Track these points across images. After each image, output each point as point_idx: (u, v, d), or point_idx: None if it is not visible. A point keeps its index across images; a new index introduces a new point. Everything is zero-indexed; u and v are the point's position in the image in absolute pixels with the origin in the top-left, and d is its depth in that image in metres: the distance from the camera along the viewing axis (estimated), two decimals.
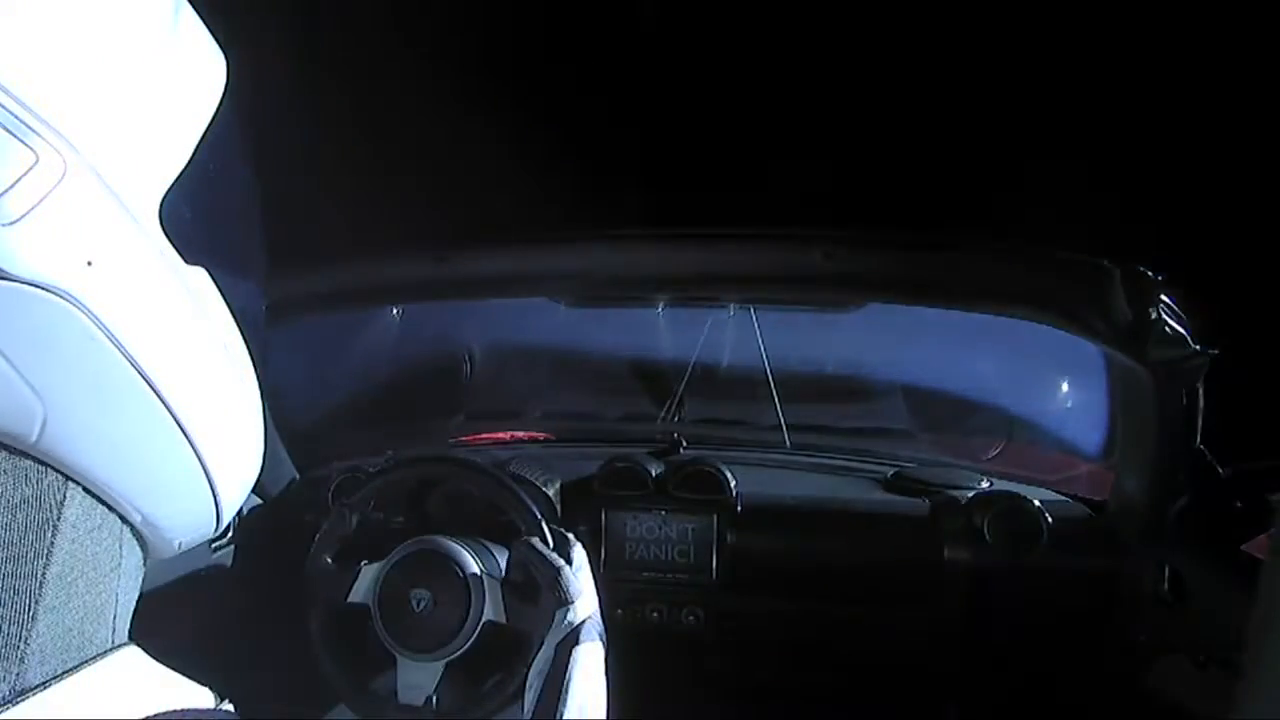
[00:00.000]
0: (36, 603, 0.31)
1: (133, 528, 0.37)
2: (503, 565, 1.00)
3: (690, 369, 1.98)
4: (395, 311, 1.94)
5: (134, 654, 0.36)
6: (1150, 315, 0.94)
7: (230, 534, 1.27)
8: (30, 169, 0.28)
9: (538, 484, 1.27)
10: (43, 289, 0.28)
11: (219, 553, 1.26)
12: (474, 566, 0.96)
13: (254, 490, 0.45)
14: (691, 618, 1.28)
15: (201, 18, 0.37)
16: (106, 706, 0.32)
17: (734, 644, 1.30)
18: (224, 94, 0.37)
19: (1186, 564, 1.01)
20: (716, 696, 1.42)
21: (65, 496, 0.33)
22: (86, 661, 0.33)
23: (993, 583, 1.20)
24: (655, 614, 1.28)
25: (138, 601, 0.39)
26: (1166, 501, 1.05)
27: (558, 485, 1.31)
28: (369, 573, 1.00)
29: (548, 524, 0.98)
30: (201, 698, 0.38)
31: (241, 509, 0.45)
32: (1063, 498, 1.26)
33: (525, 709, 0.80)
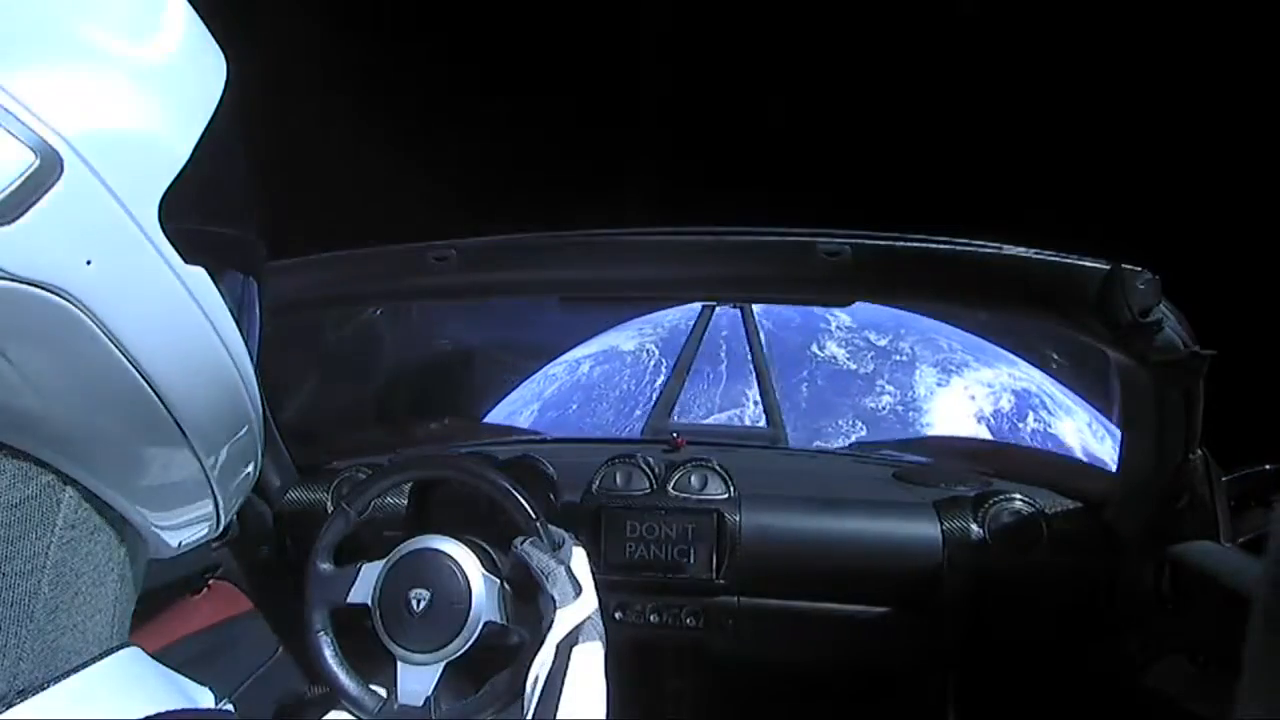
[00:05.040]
0: (36, 602, 0.31)
1: (133, 528, 0.37)
2: (502, 565, 1.00)
3: (689, 368, 1.98)
4: (395, 311, 1.94)
5: (134, 654, 0.36)
6: (1150, 315, 0.94)
7: (230, 534, 1.27)
8: (30, 169, 0.28)
9: (537, 484, 1.27)
10: (43, 289, 0.28)
11: (219, 553, 1.25)
12: (473, 566, 0.96)
13: (254, 490, 0.45)
14: (691, 618, 1.28)
15: (202, 18, 0.37)
16: (106, 706, 0.32)
17: (734, 644, 1.30)
18: (224, 94, 0.37)
19: (1187, 564, 1.01)
20: (716, 696, 1.42)
21: (65, 496, 0.33)
22: (86, 661, 0.33)
23: (993, 583, 1.20)
24: (655, 614, 1.28)
25: (138, 601, 0.38)
26: (1166, 501, 1.05)
27: (557, 485, 1.31)
28: (369, 573, 0.99)
29: (547, 524, 0.98)
30: (201, 698, 0.38)
31: (242, 509, 0.45)
32: (1063, 498, 1.26)
33: (525, 709, 0.80)
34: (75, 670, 0.32)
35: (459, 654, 0.95)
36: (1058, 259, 0.97)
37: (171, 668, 0.37)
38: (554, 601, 0.86)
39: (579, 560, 0.94)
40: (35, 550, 0.31)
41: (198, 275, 0.34)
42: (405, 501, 1.29)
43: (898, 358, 3.87)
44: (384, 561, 0.99)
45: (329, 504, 1.32)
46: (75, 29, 0.31)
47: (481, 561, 0.98)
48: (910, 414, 3.51)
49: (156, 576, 1.12)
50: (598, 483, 1.32)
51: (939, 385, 3.60)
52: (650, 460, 1.35)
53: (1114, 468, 1.18)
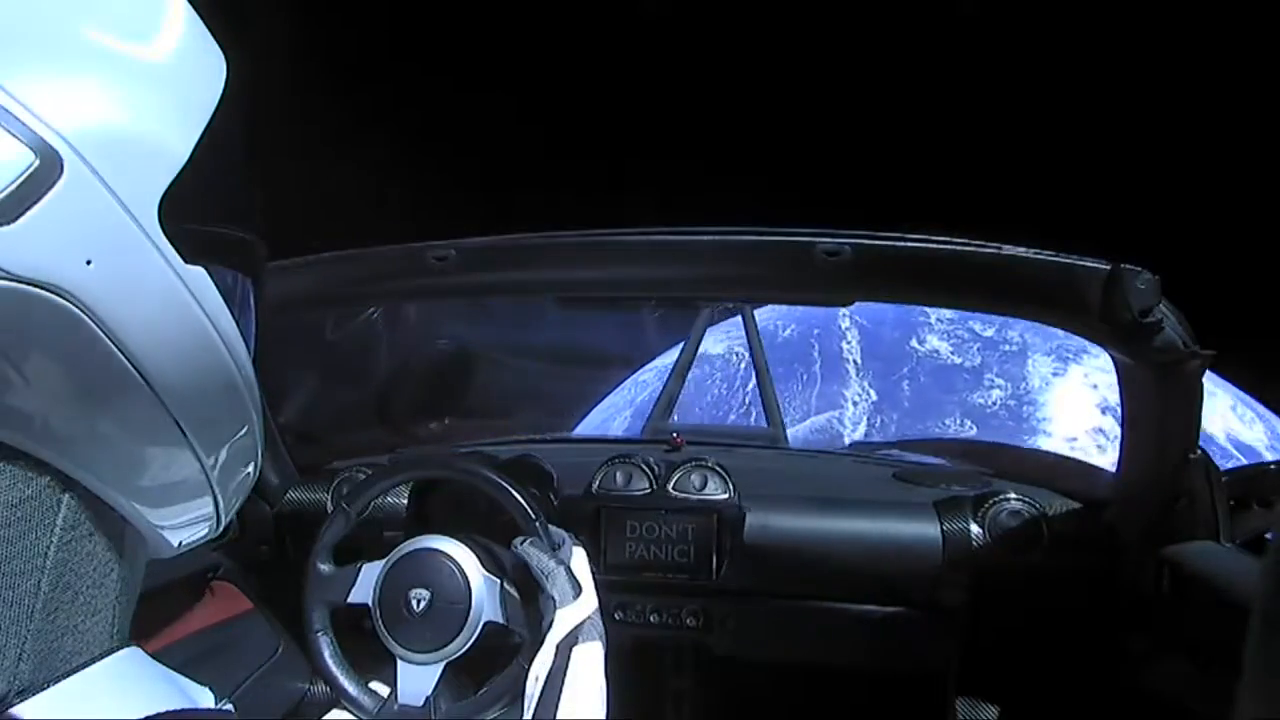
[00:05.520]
0: (36, 602, 0.31)
1: (133, 528, 0.37)
2: (502, 565, 1.00)
3: (689, 368, 1.98)
4: (393, 312, 1.94)
5: (134, 654, 0.36)
6: (1150, 315, 0.94)
7: (230, 534, 1.27)
8: (30, 169, 0.28)
9: (537, 484, 1.27)
10: (43, 289, 0.28)
11: (219, 553, 1.25)
12: (474, 566, 0.96)
13: (254, 490, 0.45)
14: (691, 618, 1.28)
15: (201, 18, 0.37)
16: (106, 706, 0.32)
17: (734, 644, 1.30)
18: (224, 94, 0.37)
19: (1187, 564, 1.01)
20: (716, 696, 1.42)
21: (65, 496, 0.33)
22: (86, 662, 0.33)
23: (993, 583, 1.20)
24: (655, 614, 1.28)
25: (138, 601, 0.39)
26: (1166, 501, 1.05)
27: (557, 484, 1.31)
28: (369, 573, 1.00)
29: (547, 524, 0.98)
30: (201, 698, 0.38)
31: (242, 509, 0.45)
32: (1063, 498, 1.26)
33: (525, 709, 0.80)
34: (75, 670, 0.32)
35: (459, 654, 0.95)
36: (1058, 259, 0.98)
37: (171, 668, 0.37)
38: (554, 601, 0.86)
39: (579, 560, 0.94)
40: (35, 550, 0.31)
41: (198, 275, 0.34)
42: (405, 501, 1.29)
43: (1007, 348, 3.47)
44: (384, 561, 0.99)
45: (329, 504, 1.32)
46: (75, 29, 0.31)
47: (481, 561, 0.98)
48: (1025, 408, 3.16)
49: (156, 576, 1.12)
50: (598, 482, 1.32)
51: (1055, 375, 3.23)
52: (650, 460, 1.35)
53: (1114, 467, 1.18)
